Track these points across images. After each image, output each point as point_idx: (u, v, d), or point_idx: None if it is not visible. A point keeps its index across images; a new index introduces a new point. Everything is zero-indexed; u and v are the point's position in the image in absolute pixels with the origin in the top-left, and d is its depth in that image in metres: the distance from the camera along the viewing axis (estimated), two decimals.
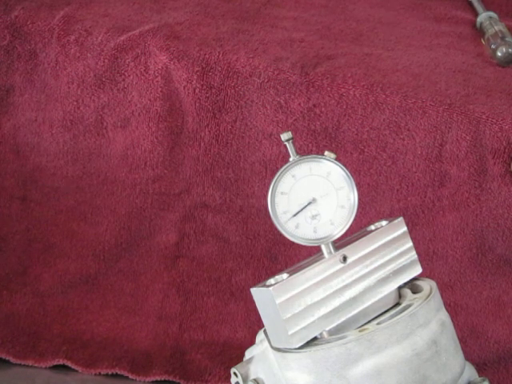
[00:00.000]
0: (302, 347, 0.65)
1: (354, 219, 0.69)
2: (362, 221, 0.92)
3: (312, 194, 0.69)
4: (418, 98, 0.92)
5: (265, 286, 0.66)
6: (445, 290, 0.94)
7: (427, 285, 0.71)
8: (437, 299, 0.68)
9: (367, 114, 0.93)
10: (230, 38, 1.00)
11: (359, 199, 0.69)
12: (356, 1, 1.17)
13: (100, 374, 1.01)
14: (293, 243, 0.68)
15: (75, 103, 1.02)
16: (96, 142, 1.02)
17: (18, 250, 1.08)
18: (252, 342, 0.74)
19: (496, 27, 1.04)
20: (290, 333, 0.65)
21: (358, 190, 0.69)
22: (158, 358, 1.02)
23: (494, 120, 0.89)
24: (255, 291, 0.67)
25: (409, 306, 0.68)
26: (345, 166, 0.69)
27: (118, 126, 1.01)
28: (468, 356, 0.72)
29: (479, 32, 1.09)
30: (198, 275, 1.03)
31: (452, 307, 0.95)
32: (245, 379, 0.72)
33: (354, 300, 0.68)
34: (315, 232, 0.68)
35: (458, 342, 0.69)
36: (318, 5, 1.14)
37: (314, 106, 0.95)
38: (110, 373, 1.01)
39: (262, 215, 0.99)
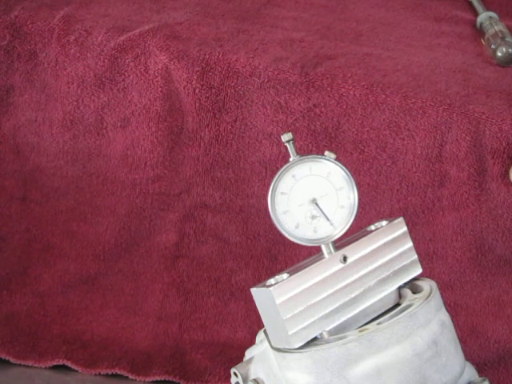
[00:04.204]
0: (302, 347, 0.65)
1: (354, 219, 0.69)
2: (362, 221, 0.92)
3: (312, 194, 0.69)
4: (418, 98, 0.92)
5: (265, 286, 0.66)
6: (445, 289, 0.94)
7: (427, 285, 0.71)
8: (437, 299, 0.68)
9: (367, 114, 0.93)
10: (230, 38, 1.00)
11: (359, 199, 0.69)
12: (356, 1, 1.17)
13: (100, 374, 1.01)
14: (293, 243, 0.68)
15: (75, 103, 1.02)
16: (96, 142, 1.02)
17: (18, 250, 1.08)
18: (252, 342, 0.74)
19: (496, 27, 1.04)
20: (290, 333, 0.65)
21: (358, 190, 0.69)
22: (158, 358, 1.02)
23: (493, 120, 0.89)
24: (255, 291, 0.67)
25: (409, 306, 0.68)
26: (345, 165, 0.69)
27: (118, 126, 1.01)
28: (468, 356, 0.72)
29: (479, 32, 1.09)
30: (198, 275, 1.03)
31: (452, 307, 0.95)
32: (245, 379, 0.72)
33: (354, 300, 0.68)
34: (315, 232, 0.68)
35: (458, 342, 0.69)
36: (317, 5, 1.14)
37: (314, 105, 0.95)
38: (109, 373, 1.01)
39: (262, 215, 0.99)
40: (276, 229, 0.68)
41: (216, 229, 1.02)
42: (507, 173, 0.90)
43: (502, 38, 1.00)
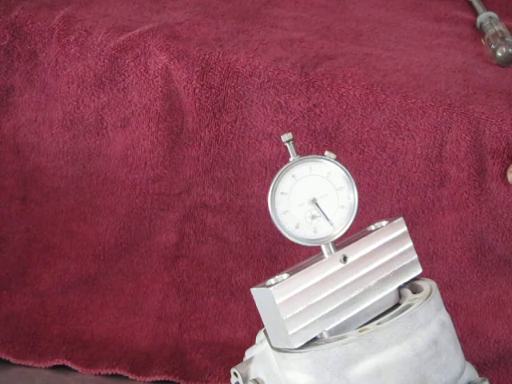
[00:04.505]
0: (302, 347, 0.65)
1: (354, 219, 0.69)
2: (362, 221, 0.92)
3: (312, 194, 0.69)
4: (418, 98, 0.92)
5: (265, 286, 0.66)
6: (445, 289, 0.94)
7: (427, 285, 0.71)
8: (437, 299, 0.68)
9: (367, 114, 0.93)
10: (230, 38, 1.00)
11: (359, 199, 0.69)
12: (356, 1, 1.16)
13: (100, 374, 1.01)
14: (293, 243, 0.68)
15: (75, 103, 1.02)
16: (96, 142, 1.02)
17: (18, 250, 1.08)
18: (252, 342, 0.74)
19: (496, 27, 1.04)
20: (290, 333, 0.65)
21: (358, 190, 0.69)
22: (158, 358, 1.02)
23: (493, 120, 0.89)
24: (255, 291, 0.67)
25: (409, 306, 0.68)
26: (345, 165, 0.69)
27: (118, 126, 1.01)
28: (468, 356, 0.72)
29: (479, 32, 1.09)
30: (198, 275, 1.03)
31: (452, 307, 0.95)
32: (245, 379, 0.72)
33: (354, 300, 0.68)
34: (315, 232, 0.68)
35: (458, 342, 0.69)
36: (317, 5, 1.14)
37: (314, 105, 0.95)
38: (109, 373, 1.01)
39: (262, 215, 0.99)
40: (276, 229, 0.68)
41: (216, 229, 1.02)
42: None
43: (502, 38, 1.00)
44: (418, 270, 0.73)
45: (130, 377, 1.01)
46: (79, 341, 1.04)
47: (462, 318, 0.95)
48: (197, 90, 0.97)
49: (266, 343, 0.70)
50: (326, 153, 0.69)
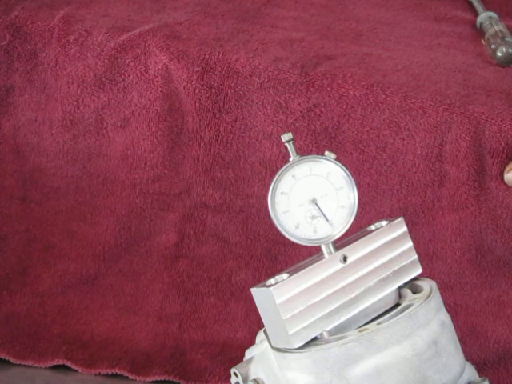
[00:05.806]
0: (302, 347, 0.65)
1: (354, 219, 0.69)
2: (362, 221, 0.92)
3: (312, 194, 0.69)
4: (418, 98, 0.92)
5: (265, 286, 0.66)
6: (445, 290, 0.94)
7: (427, 285, 0.71)
8: (437, 299, 0.68)
9: (367, 114, 0.93)
10: (230, 38, 1.00)
11: (359, 199, 0.70)
12: (356, 1, 1.16)
13: (100, 374, 1.01)
14: (293, 243, 0.68)
15: (75, 103, 1.02)
16: (96, 142, 1.02)
17: (18, 250, 1.08)
18: (252, 342, 0.74)
19: (496, 27, 1.04)
20: (290, 333, 0.65)
21: (358, 190, 0.69)
22: (158, 358, 1.02)
23: (493, 120, 0.89)
24: (255, 291, 0.67)
25: (409, 306, 0.68)
26: (345, 165, 0.69)
27: (118, 126, 1.01)
28: (468, 356, 0.72)
29: (479, 32, 1.09)
30: (198, 275, 1.03)
31: (452, 307, 0.95)
32: (245, 379, 0.72)
33: (354, 300, 0.69)
34: (315, 232, 0.69)
35: (458, 342, 0.69)
36: (317, 5, 1.14)
37: (314, 105, 0.95)
38: (109, 373, 1.01)
39: (262, 215, 0.99)
40: (276, 229, 0.68)
41: (216, 229, 1.02)
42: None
43: (502, 38, 1.00)
44: (418, 270, 0.73)
45: (130, 377, 1.01)
46: (79, 341, 1.04)
47: (462, 318, 0.95)
48: (197, 90, 0.97)
49: (265, 343, 0.70)
50: (326, 153, 0.69)
